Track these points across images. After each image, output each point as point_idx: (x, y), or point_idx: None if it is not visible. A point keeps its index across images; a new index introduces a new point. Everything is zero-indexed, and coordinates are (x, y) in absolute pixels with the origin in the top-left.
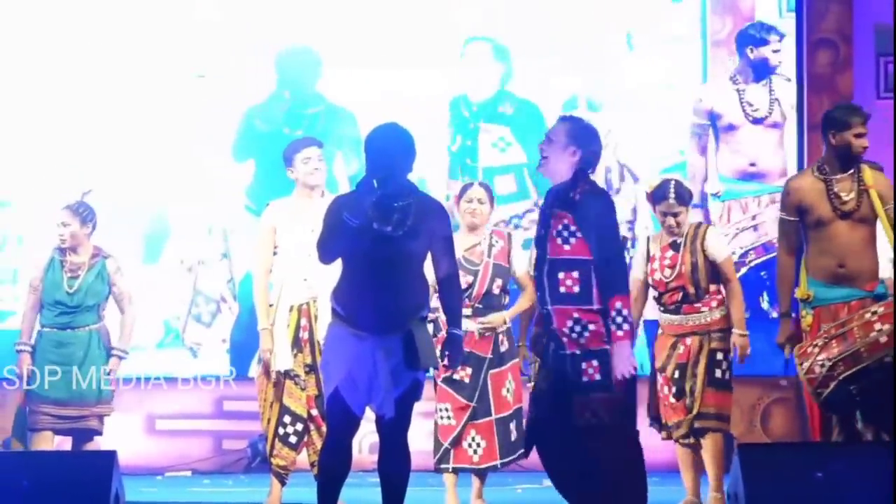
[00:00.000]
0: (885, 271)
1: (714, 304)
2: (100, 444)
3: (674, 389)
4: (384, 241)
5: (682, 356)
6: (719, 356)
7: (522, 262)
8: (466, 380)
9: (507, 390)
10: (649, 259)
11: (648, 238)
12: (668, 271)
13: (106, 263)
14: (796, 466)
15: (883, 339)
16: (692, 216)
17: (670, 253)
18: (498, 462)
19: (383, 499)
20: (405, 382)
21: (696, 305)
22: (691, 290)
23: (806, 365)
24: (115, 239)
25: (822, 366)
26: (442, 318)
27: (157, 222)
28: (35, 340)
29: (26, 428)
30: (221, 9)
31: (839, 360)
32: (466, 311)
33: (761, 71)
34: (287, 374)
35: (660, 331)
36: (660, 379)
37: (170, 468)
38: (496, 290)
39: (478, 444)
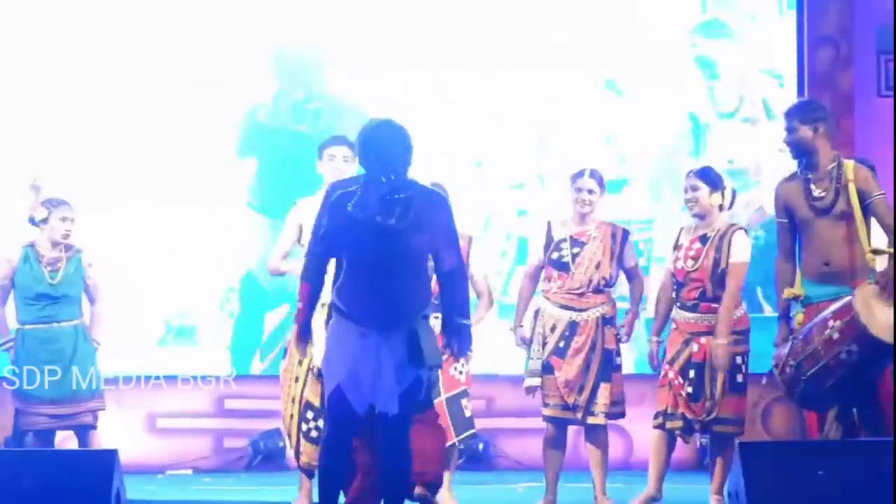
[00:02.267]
0: (878, 264)
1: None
2: (101, 439)
3: (688, 389)
4: (387, 236)
5: (697, 355)
6: (738, 360)
7: (479, 267)
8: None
9: (456, 369)
10: (678, 248)
11: (682, 229)
12: (690, 262)
13: (81, 257)
14: (797, 464)
15: (835, 335)
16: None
17: (697, 245)
18: (455, 440)
19: (385, 495)
20: (408, 380)
21: (714, 305)
22: (709, 286)
23: (780, 365)
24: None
25: (791, 366)
26: None
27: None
28: (17, 340)
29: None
30: (223, 6)
31: (803, 360)
32: None
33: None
34: (310, 370)
35: (673, 325)
36: (668, 371)
37: (171, 466)
38: None
39: None
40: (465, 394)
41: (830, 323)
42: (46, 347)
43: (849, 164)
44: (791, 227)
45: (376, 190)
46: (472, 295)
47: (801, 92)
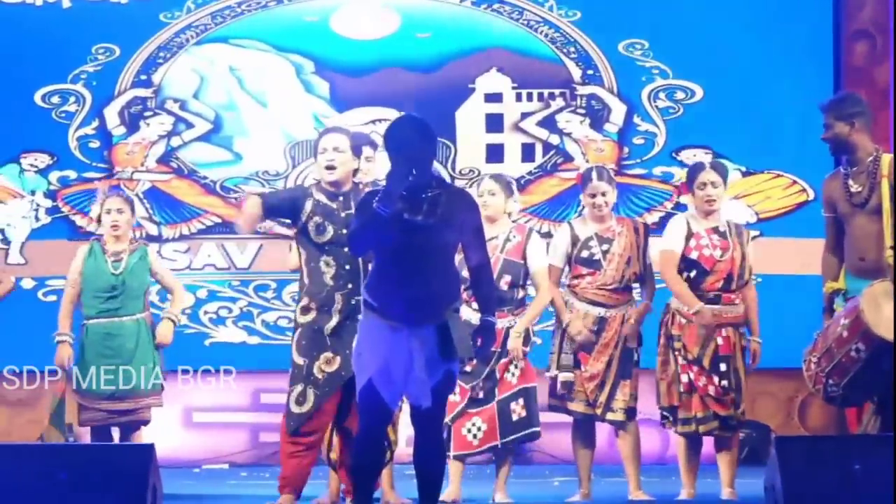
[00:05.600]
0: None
1: (741, 299)
2: (142, 434)
3: (723, 383)
4: (415, 231)
5: (723, 348)
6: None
7: (538, 260)
8: (469, 368)
9: (510, 373)
10: (692, 236)
11: (686, 218)
12: (719, 251)
13: (147, 250)
14: (834, 458)
15: (845, 333)
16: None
17: (716, 237)
18: (498, 442)
19: (419, 491)
20: (439, 373)
21: (732, 297)
22: (735, 276)
23: (806, 361)
24: None
25: (814, 363)
26: None
27: None
28: (82, 335)
29: (64, 419)
30: None
31: (822, 357)
32: (476, 305)
33: None
34: None
35: (683, 320)
36: (690, 371)
37: (207, 461)
38: (504, 287)
39: (478, 429)
40: (517, 395)
41: (842, 321)
42: (108, 343)
43: (886, 159)
44: (835, 222)
45: (401, 185)
46: (512, 291)
47: (837, 87)
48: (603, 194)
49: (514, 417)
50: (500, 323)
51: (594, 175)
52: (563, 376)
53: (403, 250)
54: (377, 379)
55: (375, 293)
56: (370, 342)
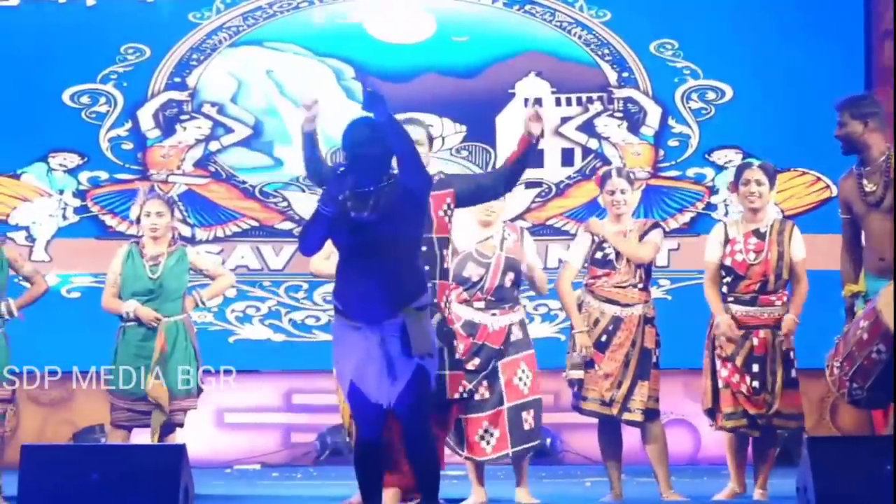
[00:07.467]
0: None
1: (785, 299)
2: (177, 437)
3: (754, 383)
4: (362, 229)
5: (758, 349)
6: (791, 355)
7: (532, 260)
8: (472, 367)
9: (520, 379)
10: (728, 242)
11: (724, 223)
12: (752, 255)
13: (186, 251)
14: (866, 459)
15: (864, 336)
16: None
17: (754, 239)
18: (509, 451)
19: (418, 487)
20: (407, 372)
21: (772, 298)
22: (772, 278)
23: (829, 366)
24: None
25: (837, 367)
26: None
27: None
28: (119, 337)
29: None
30: None
31: (844, 360)
32: (479, 304)
33: None
34: None
35: None
36: (724, 368)
37: (238, 461)
38: (508, 283)
39: (490, 435)
40: (528, 405)
41: (861, 323)
42: (145, 344)
43: None
44: (852, 223)
45: (337, 183)
46: (513, 288)
47: (868, 86)
48: (622, 192)
49: (526, 427)
50: (501, 321)
51: (613, 172)
52: (574, 374)
53: (354, 248)
54: (358, 381)
55: (338, 294)
56: (341, 347)
